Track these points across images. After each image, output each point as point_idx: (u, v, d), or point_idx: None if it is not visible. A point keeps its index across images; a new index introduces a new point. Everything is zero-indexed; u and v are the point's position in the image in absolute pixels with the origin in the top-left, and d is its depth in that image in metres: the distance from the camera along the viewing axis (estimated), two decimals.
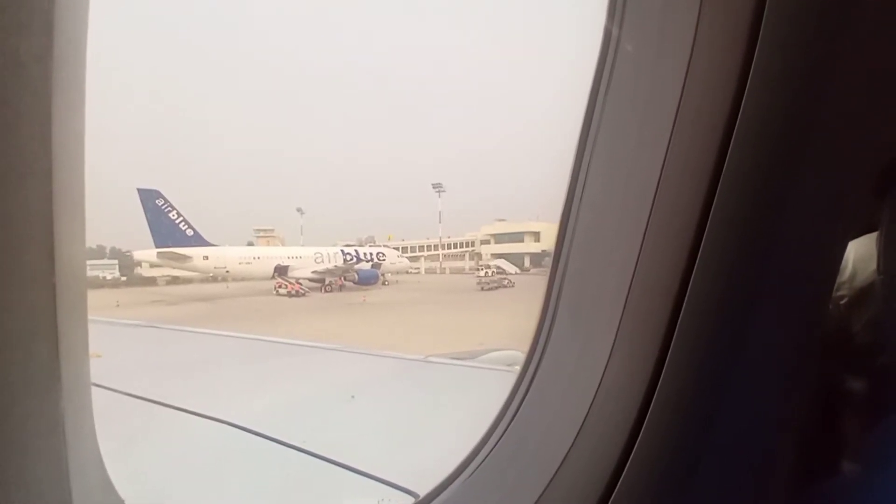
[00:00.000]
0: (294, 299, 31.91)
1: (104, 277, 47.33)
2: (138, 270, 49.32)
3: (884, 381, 0.89)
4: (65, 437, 0.52)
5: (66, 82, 0.48)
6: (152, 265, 40.02)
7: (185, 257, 34.68)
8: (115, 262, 52.76)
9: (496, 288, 35.44)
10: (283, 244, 51.78)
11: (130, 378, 2.26)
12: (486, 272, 48.10)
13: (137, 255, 36.58)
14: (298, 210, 63.99)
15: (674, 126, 0.69)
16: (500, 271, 51.11)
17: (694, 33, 0.65)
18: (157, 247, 34.35)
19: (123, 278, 48.30)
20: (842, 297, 0.98)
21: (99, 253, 53.82)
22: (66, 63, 0.47)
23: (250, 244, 50.90)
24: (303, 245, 47.95)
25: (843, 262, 0.84)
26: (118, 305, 27.02)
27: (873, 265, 0.95)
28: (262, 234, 56.29)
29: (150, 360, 3.01)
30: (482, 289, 35.60)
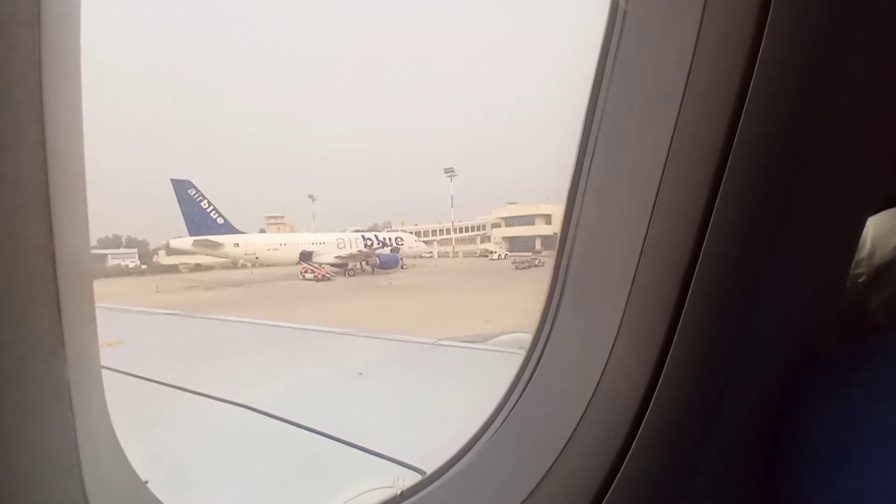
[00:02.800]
0: (321, 283, 32.09)
1: (127, 266, 47.84)
2: (156, 259, 49.78)
3: None
4: (71, 404, 0.52)
5: (58, 49, 0.47)
6: (170, 253, 40.82)
7: (218, 244, 35.15)
8: (135, 250, 53.18)
9: (529, 267, 35.37)
10: (294, 230, 51.59)
11: (155, 363, 2.37)
12: (498, 254, 48.63)
13: (174, 243, 37.09)
14: (310, 197, 63.53)
15: (680, 108, 0.66)
16: (488, 252, 51.68)
17: (700, 15, 0.64)
18: (190, 234, 34.87)
19: (144, 266, 48.52)
20: (860, 275, 0.96)
21: (115, 242, 54.49)
22: (57, 30, 0.47)
23: (262, 231, 50.70)
24: (315, 231, 48.22)
25: (862, 238, 0.82)
26: (158, 291, 27.78)
27: (893, 241, 0.92)
28: (272, 220, 55.55)
29: (181, 347, 3.08)
30: (516, 268, 35.73)
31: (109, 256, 48.01)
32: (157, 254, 51.50)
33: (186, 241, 35.19)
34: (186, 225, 34.82)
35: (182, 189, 34.70)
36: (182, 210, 34.55)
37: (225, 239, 35.61)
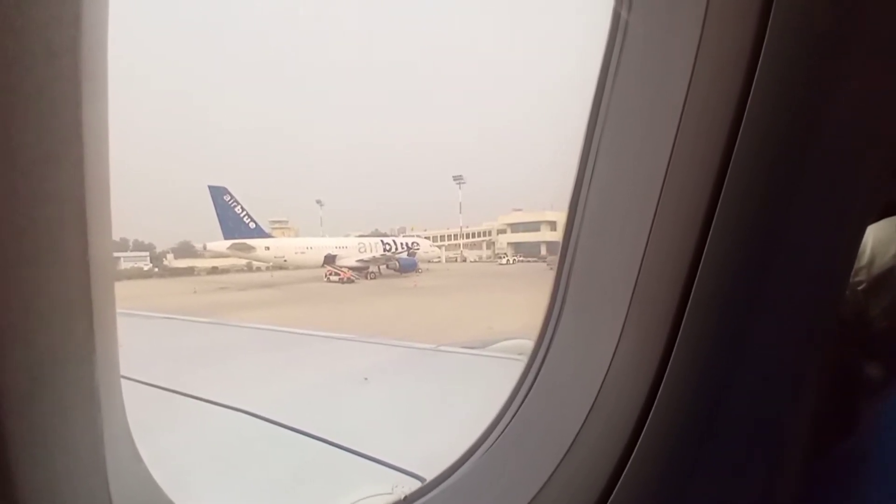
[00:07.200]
0: (347, 286, 32.20)
1: (143, 268, 47.86)
2: (166, 262, 50.57)
3: None
4: (100, 407, 0.53)
5: (93, 71, 0.48)
6: (172, 256, 40.97)
7: (251, 248, 35.96)
8: (146, 254, 53.52)
9: None
10: (298, 235, 51.55)
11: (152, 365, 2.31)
12: (508, 260, 49.16)
13: (211, 245, 38.01)
14: (318, 202, 63.77)
15: (682, 113, 0.64)
16: (463, 259, 51.59)
17: (703, 17, 0.62)
18: (225, 238, 35.71)
19: (156, 269, 48.62)
20: (860, 283, 0.92)
21: (123, 245, 54.17)
22: (93, 53, 0.47)
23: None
24: (323, 236, 48.40)
25: (862, 246, 0.79)
26: (195, 292, 28.59)
27: (893, 249, 0.89)
28: (277, 225, 55.10)
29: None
30: (550, 267, 34.97)
31: (122, 259, 48.21)
32: (165, 257, 52.20)
33: (222, 244, 36.00)
34: (222, 229, 35.66)
35: (218, 195, 35.65)
36: (218, 215, 35.46)
37: (257, 242, 36.40)
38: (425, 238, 52.21)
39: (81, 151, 0.47)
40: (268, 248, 37.38)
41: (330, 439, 1.42)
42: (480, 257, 59.57)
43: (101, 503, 0.56)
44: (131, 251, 54.10)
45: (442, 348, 2.63)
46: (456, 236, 63.53)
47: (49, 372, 0.47)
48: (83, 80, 0.46)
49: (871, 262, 0.92)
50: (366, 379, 2.04)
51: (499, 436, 0.88)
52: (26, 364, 0.46)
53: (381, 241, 41.91)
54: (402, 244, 42.28)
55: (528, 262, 45.11)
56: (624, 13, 0.71)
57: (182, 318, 4.38)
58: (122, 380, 0.62)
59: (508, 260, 49.68)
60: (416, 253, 41.81)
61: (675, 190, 0.67)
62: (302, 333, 3.21)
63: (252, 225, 37.06)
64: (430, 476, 0.97)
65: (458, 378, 2.32)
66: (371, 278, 36.26)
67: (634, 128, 0.74)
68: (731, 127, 0.61)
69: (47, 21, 0.43)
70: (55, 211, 0.46)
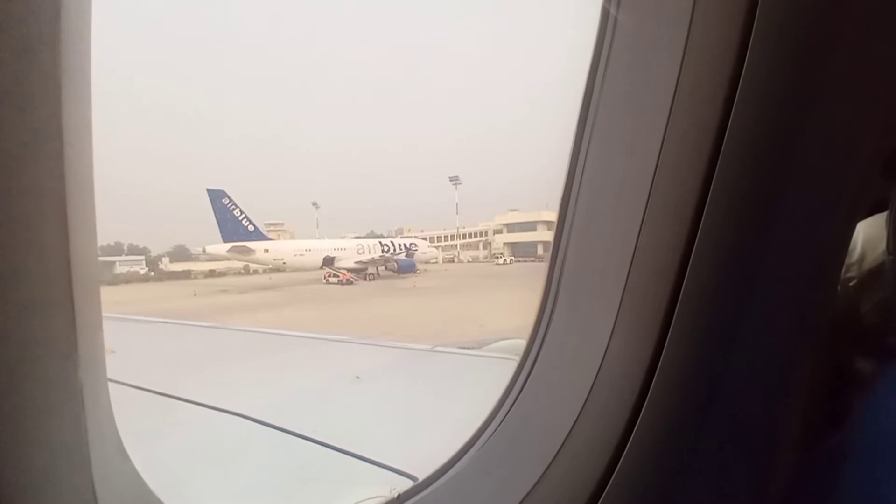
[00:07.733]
0: (346, 287, 32.07)
1: (139, 272, 47.10)
2: (161, 266, 50.00)
3: (891, 364, 0.83)
4: (83, 404, 0.52)
5: (74, 67, 0.47)
6: (168, 260, 40.95)
7: (251, 250, 35.90)
8: (142, 258, 52.68)
9: None
10: (293, 237, 51.31)
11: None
12: (505, 260, 49.23)
13: (210, 249, 37.75)
14: (314, 204, 63.31)
15: (671, 110, 0.64)
16: (460, 260, 51.53)
17: (690, 15, 0.62)
18: (224, 241, 35.52)
19: (152, 273, 47.89)
20: (850, 279, 0.91)
21: (117, 249, 53.50)
22: (73, 49, 0.47)
23: None
24: (320, 238, 48.10)
25: (852, 243, 0.79)
26: (195, 294, 28.58)
27: (883, 245, 0.88)
28: (272, 227, 53.89)
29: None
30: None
31: (117, 263, 47.30)
32: (161, 261, 51.38)
33: (222, 247, 35.81)
34: (221, 232, 35.48)
35: (217, 198, 35.49)
36: (216, 218, 35.29)
37: (256, 245, 36.27)
38: (422, 239, 52.04)
39: (61, 147, 0.46)
40: (267, 251, 37.28)
41: (325, 441, 1.41)
42: (477, 258, 59.38)
43: (85, 501, 0.55)
44: (126, 255, 53.57)
45: (438, 349, 2.63)
46: (453, 237, 63.35)
47: (30, 368, 0.47)
48: (63, 75, 0.45)
49: (862, 258, 0.92)
50: (357, 377, 2.04)
51: (492, 433, 0.88)
52: (4, 359, 0.45)
53: (380, 242, 41.67)
54: (400, 245, 42.01)
55: (525, 261, 45.18)
56: (613, 10, 0.71)
57: (185, 322, 4.39)
58: (127, 387, 0.63)
59: (505, 260, 49.56)
60: (414, 254, 41.53)
61: (664, 186, 0.66)
62: (301, 336, 3.23)
63: (251, 228, 36.97)
64: (423, 476, 0.97)
65: (453, 379, 2.32)
66: (370, 280, 36.08)
67: (624, 125, 0.74)
68: (720, 124, 0.61)
69: (25, 15, 0.43)
70: (33, 205, 0.45)
